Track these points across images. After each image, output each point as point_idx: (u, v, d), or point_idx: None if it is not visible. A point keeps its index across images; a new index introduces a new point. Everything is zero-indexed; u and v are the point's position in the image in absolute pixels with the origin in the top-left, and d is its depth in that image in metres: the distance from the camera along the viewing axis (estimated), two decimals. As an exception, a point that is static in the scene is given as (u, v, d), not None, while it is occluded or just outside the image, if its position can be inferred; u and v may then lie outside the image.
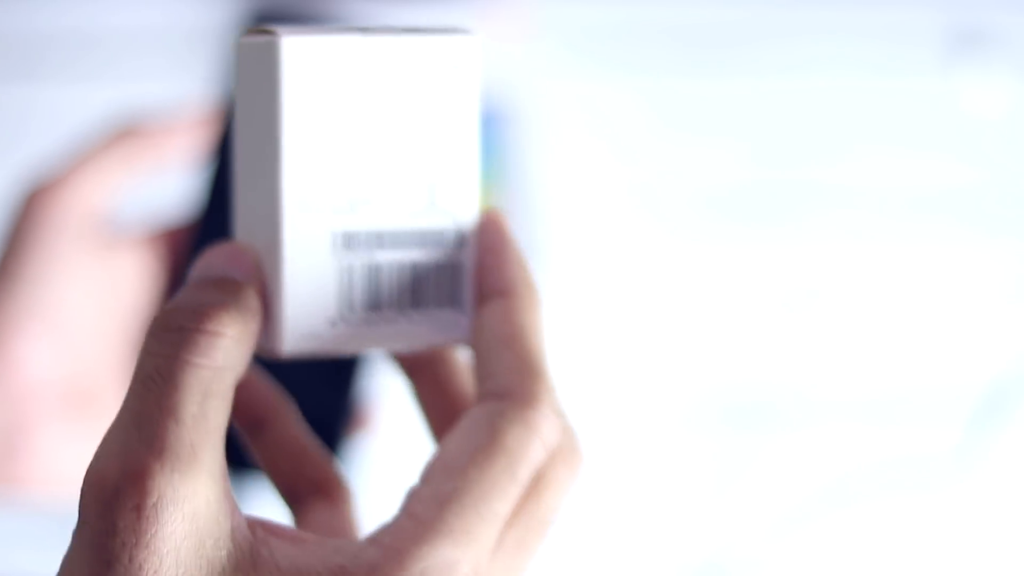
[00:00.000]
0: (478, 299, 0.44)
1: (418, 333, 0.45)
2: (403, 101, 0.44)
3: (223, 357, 0.40)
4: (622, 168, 0.97)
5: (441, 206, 0.44)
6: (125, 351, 0.70)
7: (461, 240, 0.45)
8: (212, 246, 0.45)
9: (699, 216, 0.97)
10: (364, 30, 0.44)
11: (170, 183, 0.77)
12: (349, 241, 0.44)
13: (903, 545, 0.93)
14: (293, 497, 0.48)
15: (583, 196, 0.96)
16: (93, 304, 0.68)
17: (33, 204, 0.68)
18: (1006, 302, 0.96)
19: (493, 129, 0.95)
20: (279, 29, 0.45)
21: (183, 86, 0.93)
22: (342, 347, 0.44)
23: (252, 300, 0.43)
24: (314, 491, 0.48)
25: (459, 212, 0.45)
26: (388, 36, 0.44)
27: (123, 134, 0.70)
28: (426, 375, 0.48)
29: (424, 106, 0.44)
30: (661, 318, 0.95)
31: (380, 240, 0.44)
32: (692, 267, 0.96)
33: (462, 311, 0.45)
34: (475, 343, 0.43)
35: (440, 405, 0.48)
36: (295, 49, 0.44)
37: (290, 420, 0.48)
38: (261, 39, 0.44)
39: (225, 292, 0.42)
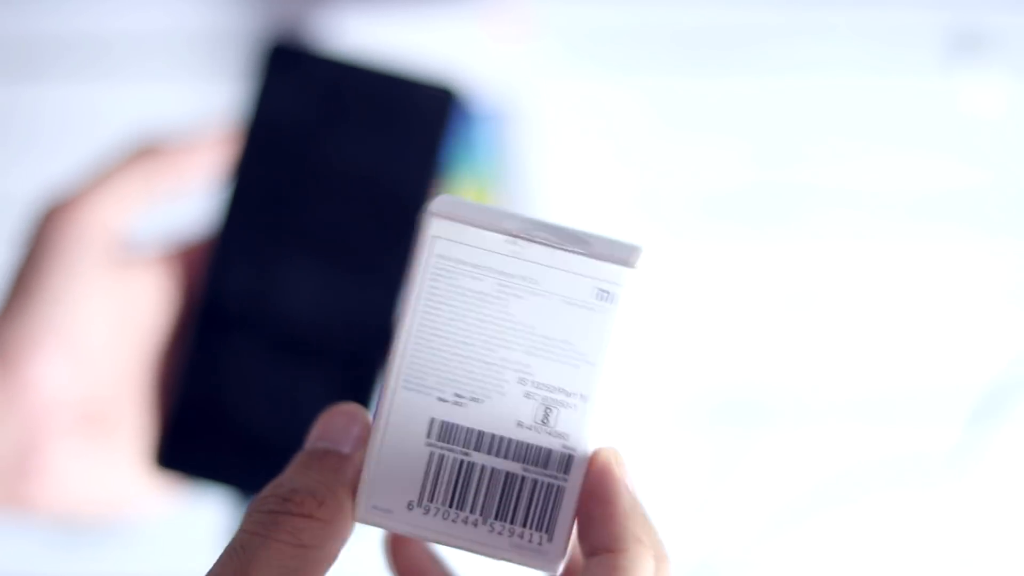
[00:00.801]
0: (585, 550, 0.43)
1: (496, 544, 0.44)
2: (541, 312, 0.43)
3: (309, 537, 0.42)
4: (622, 168, 0.97)
5: (553, 427, 0.44)
6: (141, 371, 0.70)
7: (566, 467, 0.44)
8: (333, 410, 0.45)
9: (699, 216, 0.97)
10: (525, 229, 0.43)
11: (189, 201, 0.77)
12: (446, 433, 0.44)
13: (900, 544, 0.93)
14: None
15: (583, 196, 0.96)
16: (110, 324, 0.68)
17: (51, 222, 0.67)
18: (1006, 302, 0.96)
19: (493, 129, 0.95)
20: (454, 203, 0.44)
21: (194, 91, 0.92)
22: (415, 532, 0.44)
23: (349, 476, 0.44)
24: None
25: (571, 439, 0.44)
26: (547, 247, 0.43)
27: (143, 153, 0.69)
28: None
29: (562, 324, 0.43)
30: (660, 317, 0.95)
31: (479, 441, 0.44)
32: (691, 267, 0.96)
33: (550, 539, 0.44)
34: None
35: None
36: (443, 229, 0.43)
37: (422, 544, 0.49)
38: (427, 208, 0.44)
39: (325, 471, 0.44)
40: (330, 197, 0.70)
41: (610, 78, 0.99)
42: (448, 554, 0.50)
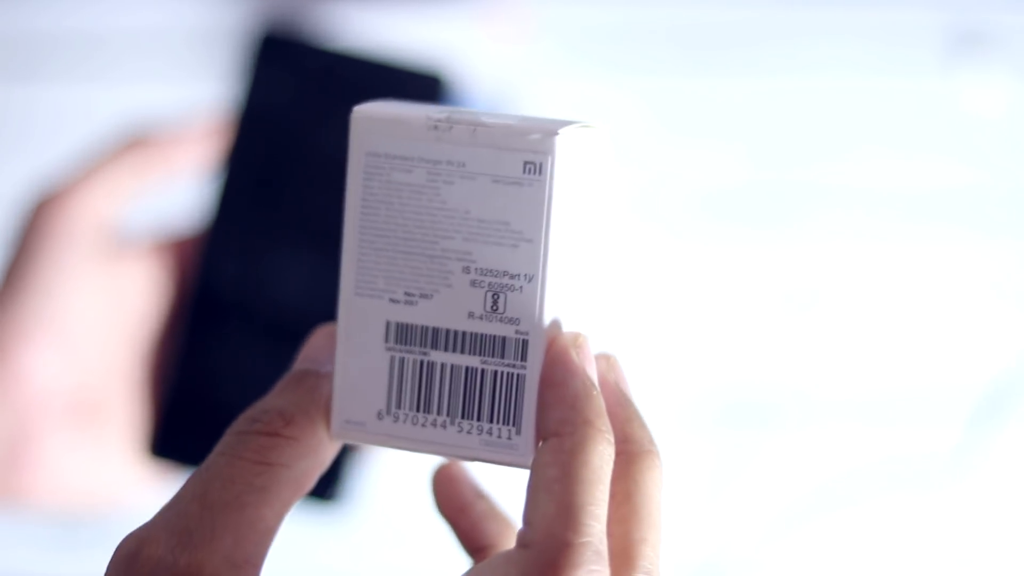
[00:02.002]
0: (540, 438, 0.42)
1: (468, 444, 0.43)
2: (473, 195, 0.42)
3: (275, 455, 0.41)
4: (621, 167, 0.97)
5: (503, 313, 0.42)
6: (133, 361, 0.70)
7: (523, 353, 0.42)
8: (319, 331, 0.45)
9: (699, 216, 0.97)
10: (448, 114, 0.42)
11: (179, 192, 0.77)
12: (402, 334, 0.43)
13: (902, 545, 0.93)
14: (474, 549, 0.48)
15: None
16: (100, 314, 0.68)
17: (41, 213, 0.67)
18: (1006, 302, 0.96)
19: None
20: (380, 104, 0.43)
21: (188, 88, 0.92)
22: (387, 442, 0.43)
23: (326, 393, 0.44)
24: (491, 543, 0.48)
25: (523, 323, 0.42)
26: (468, 126, 0.42)
27: (133, 144, 0.69)
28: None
29: (495, 205, 0.42)
30: (660, 318, 0.95)
31: (435, 338, 0.43)
32: (691, 267, 0.96)
33: (518, 431, 0.43)
34: (527, 484, 0.41)
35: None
36: (368, 126, 0.43)
37: (468, 481, 0.48)
38: (355, 109, 0.43)
39: (299, 391, 0.43)
40: (321, 186, 0.71)
41: (609, 78, 0.99)
42: (485, 484, 0.50)
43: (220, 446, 0.42)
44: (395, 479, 0.87)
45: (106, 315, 0.68)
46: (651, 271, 0.95)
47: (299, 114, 0.71)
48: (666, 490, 0.44)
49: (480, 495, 0.48)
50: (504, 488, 0.51)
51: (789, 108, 0.99)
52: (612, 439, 0.41)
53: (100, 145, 0.71)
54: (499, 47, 0.97)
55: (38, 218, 0.67)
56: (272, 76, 0.71)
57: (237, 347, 0.71)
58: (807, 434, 0.94)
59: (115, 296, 0.69)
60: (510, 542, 0.48)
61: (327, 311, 0.70)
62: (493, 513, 0.48)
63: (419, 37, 0.94)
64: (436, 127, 0.42)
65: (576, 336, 0.43)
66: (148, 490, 0.73)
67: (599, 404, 0.41)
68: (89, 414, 0.69)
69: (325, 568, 0.90)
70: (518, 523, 0.46)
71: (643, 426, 0.44)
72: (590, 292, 0.46)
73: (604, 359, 0.45)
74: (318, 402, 0.43)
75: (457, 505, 0.48)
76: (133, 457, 0.71)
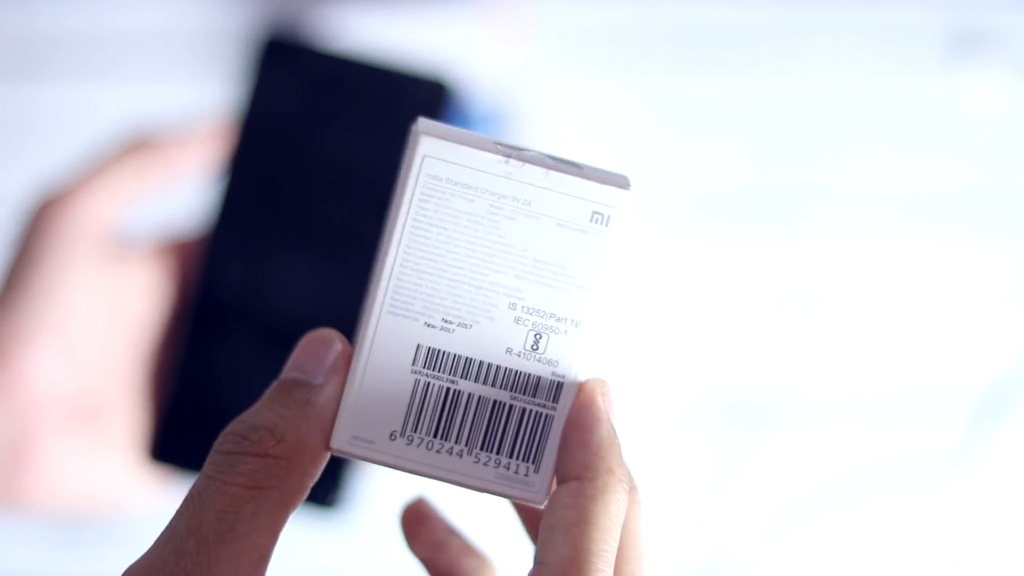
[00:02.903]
0: (558, 479, 0.42)
1: (481, 475, 0.43)
2: (534, 234, 0.42)
3: (265, 478, 0.41)
4: (621, 168, 0.97)
5: (543, 353, 0.43)
6: (134, 365, 0.70)
7: (555, 395, 0.43)
8: (309, 334, 0.44)
9: (698, 216, 0.97)
10: (517, 151, 0.42)
11: (181, 195, 0.77)
12: (433, 360, 0.43)
13: (902, 545, 0.93)
14: None
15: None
16: (102, 318, 0.68)
17: (44, 216, 0.67)
18: (1006, 302, 0.96)
19: (492, 129, 0.95)
20: (442, 126, 0.43)
21: (191, 90, 0.92)
22: (396, 463, 0.43)
23: (317, 407, 0.43)
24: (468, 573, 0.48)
25: (561, 366, 0.43)
26: (541, 168, 0.42)
27: (136, 146, 0.69)
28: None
29: (555, 248, 0.42)
30: (660, 318, 0.95)
31: (467, 369, 0.42)
32: (691, 267, 0.96)
33: (536, 469, 0.43)
34: (541, 523, 0.41)
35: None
36: (434, 148, 0.43)
37: (439, 519, 0.48)
38: (414, 129, 0.42)
39: (290, 404, 0.43)
40: (324, 191, 0.70)
41: (609, 78, 0.99)
42: (464, 524, 0.50)
43: (209, 467, 0.41)
44: (393, 485, 0.87)
45: (107, 318, 0.68)
46: (651, 271, 0.95)
47: (302, 118, 0.71)
48: (647, 524, 0.44)
49: (453, 532, 0.49)
50: (467, 522, 0.51)
51: (789, 108, 0.99)
52: (628, 488, 0.42)
53: (102, 147, 0.70)
54: (499, 47, 0.97)
55: (40, 220, 0.67)
56: (275, 80, 0.71)
57: (238, 351, 0.71)
58: (807, 434, 0.94)
59: (117, 299, 0.68)
60: None
61: (328, 316, 0.70)
62: (469, 549, 0.49)
63: (420, 38, 0.94)
64: (507, 163, 0.42)
65: (602, 383, 0.43)
66: (148, 494, 0.73)
67: (620, 452, 0.42)
68: (90, 417, 0.69)
69: (325, 574, 0.90)
70: (492, 558, 0.47)
71: (624, 461, 0.44)
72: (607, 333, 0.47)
73: (599, 384, 0.45)
74: (309, 417, 0.43)
75: (431, 543, 0.48)
76: (134, 461, 0.71)
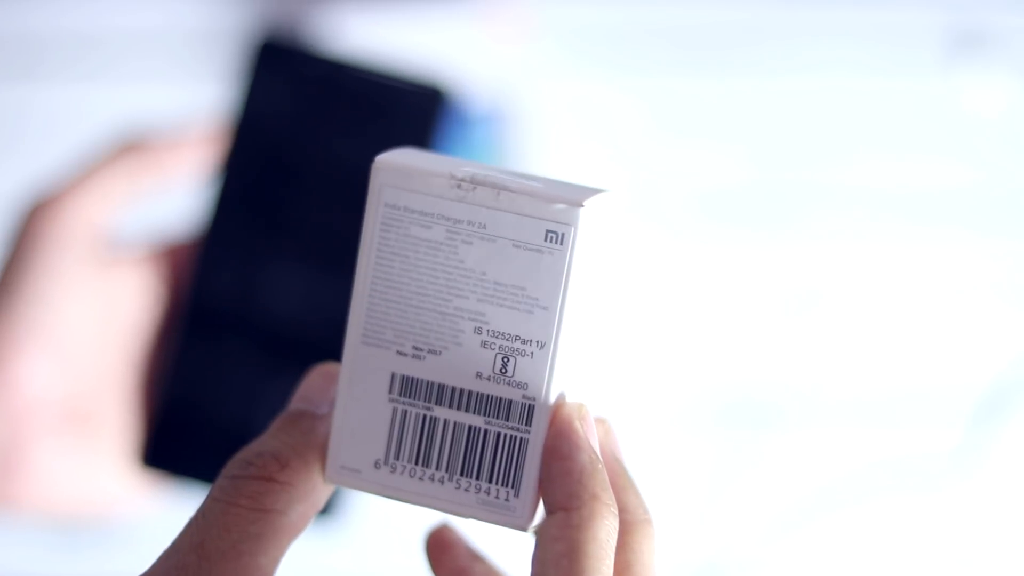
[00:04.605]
0: (546, 509, 0.42)
1: (464, 502, 0.43)
2: (492, 257, 0.42)
3: (270, 501, 0.41)
4: (621, 168, 0.97)
5: (512, 376, 0.42)
6: (125, 369, 0.70)
7: (528, 418, 0.43)
8: (315, 373, 0.45)
9: (698, 217, 0.97)
10: (474, 172, 0.42)
11: (174, 198, 0.77)
12: (407, 387, 0.43)
13: (904, 546, 0.93)
14: None
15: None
16: (94, 322, 0.68)
17: (35, 219, 0.67)
18: (1006, 302, 0.96)
19: (491, 130, 0.95)
20: (403, 154, 0.43)
21: (185, 91, 0.92)
22: (382, 491, 0.44)
23: (321, 436, 0.44)
24: None
25: (531, 388, 0.42)
26: (493, 189, 0.42)
27: (128, 149, 0.69)
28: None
29: (513, 270, 0.42)
30: (660, 318, 0.95)
31: (440, 395, 0.43)
32: (691, 267, 0.96)
33: (516, 494, 0.43)
34: (532, 556, 0.41)
35: None
36: (390, 178, 0.43)
37: (462, 544, 0.49)
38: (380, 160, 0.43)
39: (295, 433, 0.43)
40: (318, 196, 0.70)
41: (608, 78, 0.98)
42: (484, 548, 0.50)
43: (215, 491, 0.42)
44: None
45: (99, 322, 0.68)
46: (651, 271, 0.95)
47: (296, 122, 0.71)
48: (660, 557, 0.44)
49: (476, 557, 0.49)
50: (496, 548, 0.51)
51: (789, 108, 0.98)
52: (616, 512, 0.42)
53: (95, 149, 0.70)
54: (499, 47, 0.97)
55: (31, 224, 0.67)
56: (270, 83, 0.71)
57: (230, 356, 0.71)
58: (807, 435, 0.94)
59: (108, 303, 0.68)
60: None
61: (321, 321, 0.70)
62: (493, 574, 0.49)
63: (419, 39, 0.94)
64: (459, 186, 0.42)
65: (580, 407, 0.43)
66: (140, 499, 0.73)
67: (604, 478, 0.42)
68: (81, 422, 0.69)
69: None
70: None
71: (638, 494, 0.44)
72: (592, 357, 0.47)
73: (600, 425, 0.45)
74: (313, 445, 0.43)
75: (455, 569, 0.48)
76: (125, 466, 0.71)
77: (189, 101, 0.87)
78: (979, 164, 0.98)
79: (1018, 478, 0.94)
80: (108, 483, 0.71)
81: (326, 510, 0.72)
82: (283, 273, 0.70)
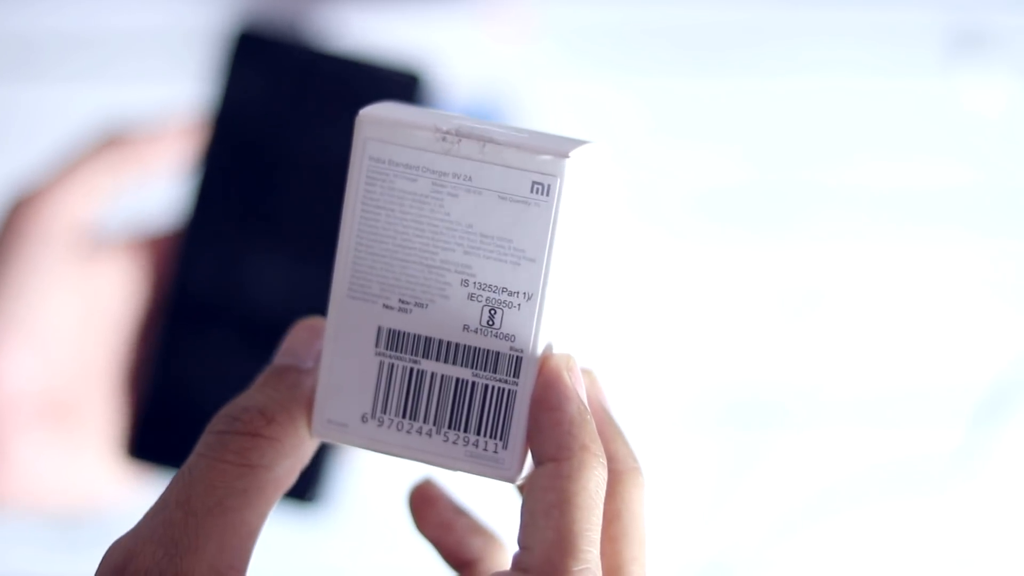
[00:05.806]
0: (535, 461, 0.42)
1: (452, 454, 0.43)
2: (477, 209, 0.42)
3: (256, 456, 0.41)
4: (621, 168, 0.97)
5: (499, 328, 0.43)
6: (108, 362, 0.70)
7: (516, 370, 0.43)
8: (300, 322, 0.45)
9: (698, 217, 0.97)
10: (460, 124, 0.42)
11: (155, 191, 0.77)
12: (394, 340, 0.43)
13: (907, 546, 0.92)
14: (459, 565, 0.48)
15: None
16: (76, 315, 0.68)
17: (16, 214, 0.68)
18: (1006, 302, 0.96)
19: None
20: (387, 107, 0.43)
21: (165, 88, 0.93)
22: (369, 445, 0.43)
23: (306, 390, 0.44)
24: (477, 557, 0.48)
25: (518, 340, 0.42)
26: (478, 141, 0.42)
27: (109, 142, 0.70)
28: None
29: (499, 222, 0.42)
30: (660, 319, 0.95)
31: (427, 348, 0.43)
32: (691, 268, 0.96)
33: (505, 446, 0.43)
34: (521, 507, 0.41)
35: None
36: (375, 131, 0.43)
37: (445, 499, 0.49)
38: (362, 114, 0.43)
39: (280, 388, 0.43)
40: (298, 185, 0.71)
41: (608, 78, 0.99)
42: (472, 503, 0.50)
43: (201, 446, 0.42)
44: (376, 480, 0.87)
45: (81, 315, 0.69)
46: (650, 271, 0.95)
47: (275, 112, 0.71)
48: (650, 505, 0.44)
49: (460, 511, 0.49)
50: (479, 501, 0.51)
51: (789, 109, 0.98)
52: (605, 462, 0.42)
53: (76, 144, 0.71)
54: (499, 47, 0.97)
55: (12, 218, 0.67)
56: (248, 74, 0.71)
57: (214, 347, 0.71)
58: (808, 435, 0.93)
59: (90, 296, 0.69)
60: (497, 555, 0.48)
61: (303, 310, 0.70)
62: (476, 528, 0.49)
63: (418, 38, 0.95)
64: (444, 139, 0.42)
65: (568, 358, 0.43)
66: (126, 491, 0.73)
67: (593, 428, 0.42)
68: (63, 415, 0.69)
69: (307, 570, 0.90)
70: (501, 535, 0.47)
71: (626, 443, 0.44)
72: (581, 309, 0.46)
73: (587, 375, 0.45)
74: (299, 399, 0.43)
75: (439, 523, 0.48)
76: (109, 458, 0.71)
77: (167, 96, 0.87)
78: (979, 164, 0.98)
79: (1019, 478, 0.93)
80: (92, 475, 0.71)
81: (311, 499, 0.72)
82: (265, 262, 0.71)
